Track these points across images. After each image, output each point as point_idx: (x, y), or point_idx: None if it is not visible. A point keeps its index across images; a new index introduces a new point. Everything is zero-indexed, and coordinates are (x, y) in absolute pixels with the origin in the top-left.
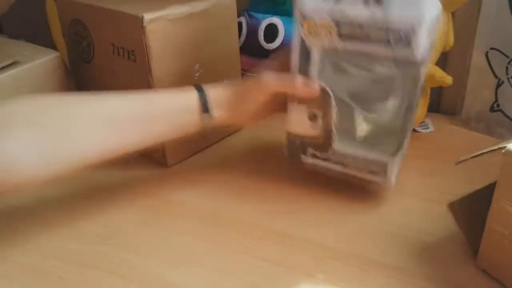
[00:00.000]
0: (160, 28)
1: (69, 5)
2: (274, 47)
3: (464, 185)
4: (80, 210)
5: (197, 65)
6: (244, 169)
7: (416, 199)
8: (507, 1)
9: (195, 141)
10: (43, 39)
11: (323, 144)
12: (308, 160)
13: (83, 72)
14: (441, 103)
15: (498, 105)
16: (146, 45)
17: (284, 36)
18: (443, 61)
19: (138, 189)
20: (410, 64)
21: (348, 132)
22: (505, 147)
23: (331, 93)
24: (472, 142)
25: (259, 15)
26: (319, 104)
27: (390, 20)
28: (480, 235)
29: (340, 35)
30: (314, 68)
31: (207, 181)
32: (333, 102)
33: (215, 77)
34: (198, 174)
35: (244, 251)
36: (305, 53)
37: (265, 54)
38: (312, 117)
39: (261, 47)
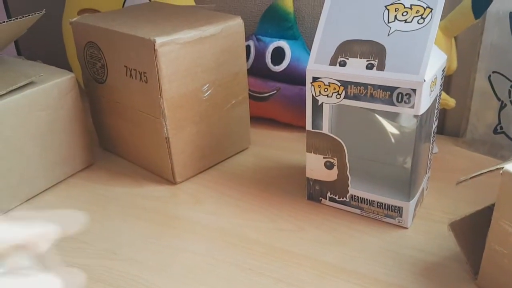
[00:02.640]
0: (171, 51)
1: (84, 29)
2: (281, 69)
3: (467, 205)
4: (91, 222)
5: (206, 85)
6: (251, 187)
7: (420, 219)
8: (508, 25)
9: (203, 159)
10: (59, 61)
11: (341, 189)
12: (327, 203)
13: (96, 92)
14: (445, 125)
15: (501, 127)
16: (157, 67)
17: (290, 59)
18: (446, 84)
19: (146, 205)
20: (412, 119)
21: (364, 178)
22: (503, 167)
23: (344, 144)
24: (476, 164)
25: (266, 39)
26: (335, 153)
27: (392, 83)
28: (481, 254)
29: (347, 94)
30: (326, 122)
31: (214, 198)
32: (346, 152)
33: (224, 97)
34: (206, 191)
35: (249, 268)
36: (317, 109)
37: (272, 76)
38: (329, 165)
39: (268, 69)
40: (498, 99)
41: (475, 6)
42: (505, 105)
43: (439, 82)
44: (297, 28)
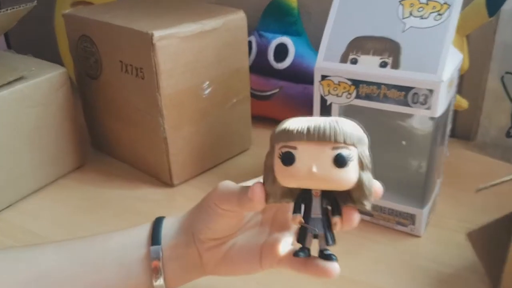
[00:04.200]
0: (170, 45)
1: (77, 21)
2: (284, 67)
3: (482, 213)
4: (82, 227)
5: (207, 82)
6: None
7: (433, 227)
8: None
9: (202, 160)
10: (50, 55)
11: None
12: None
13: (89, 88)
14: (456, 128)
15: None
16: (155, 62)
17: (294, 56)
18: (458, 85)
19: (141, 209)
20: (428, 121)
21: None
22: None
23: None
24: (489, 169)
25: (269, 35)
26: None
27: (407, 82)
28: (500, 265)
29: (358, 94)
30: None
31: None
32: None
33: (225, 95)
34: (202, 193)
35: (252, 278)
36: (325, 110)
37: (274, 73)
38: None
39: (270, 66)
40: (511, 100)
41: (489, 3)
42: None
43: (455, 82)
44: (301, 24)
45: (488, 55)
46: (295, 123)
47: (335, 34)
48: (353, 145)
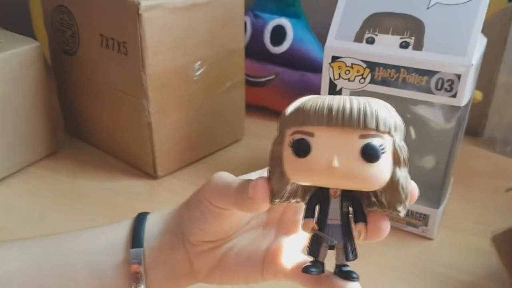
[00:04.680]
0: (158, 17)
1: None
2: (281, 51)
3: (497, 215)
4: (54, 222)
5: (198, 63)
6: None
7: (445, 229)
8: None
9: (190, 150)
10: (23, 28)
11: None
12: None
13: (65, 66)
14: None
15: None
16: (140, 36)
17: (292, 40)
18: None
19: (120, 202)
20: (451, 112)
21: None
22: None
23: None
24: (499, 166)
25: (265, 15)
26: None
27: (431, 65)
28: None
29: (373, 79)
30: None
31: None
32: None
33: (218, 78)
34: (191, 188)
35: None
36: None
37: (270, 58)
38: None
39: (266, 50)
40: None
41: None
42: None
43: (478, 69)
44: (299, 5)
45: (501, 46)
46: (313, 102)
47: (349, 9)
48: (388, 133)
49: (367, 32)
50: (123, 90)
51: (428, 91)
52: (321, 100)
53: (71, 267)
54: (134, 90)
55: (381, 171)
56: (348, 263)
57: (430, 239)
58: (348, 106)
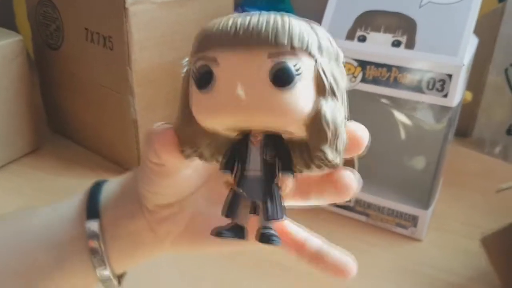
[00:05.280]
0: (145, 12)
1: None
2: None
3: (485, 216)
4: None
5: (186, 59)
6: None
7: (434, 230)
8: None
9: None
10: (5, 21)
11: None
12: (326, 207)
13: (48, 60)
14: None
15: None
16: (127, 30)
17: None
18: None
19: None
20: (442, 112)
21: (374, 179)
22: None
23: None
24: (488, 168)
25: (254, 11)
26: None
27: (423, 65)
28: None
29: (364, 77)
30: None
31: None
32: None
33: None
34: None
35: (235, 283)
36: None
37: None
38: None
39: None
40: None
41: None
42: None
43: (469, 69)
44: (289, 2)
45: (490, 47)
46: (220, 21)
47: (341, 6)
48: (307, 51)
49: (358, 30)
50: (108, 86)
51: (420, 90)
52: (231, 18)
53: (28, 245)
54: (120, 86)
55: (296, 99)
56: (270, 223)
57: (419, 240)
58: (255, 20)
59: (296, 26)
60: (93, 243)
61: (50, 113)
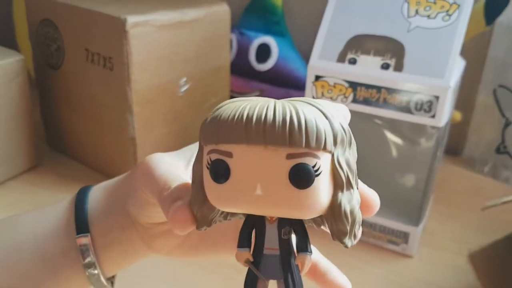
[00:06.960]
0: (145, 34)
1: (39, 3)
2: (266, 68)
3: (475, 233)
4: None
5: (184, 79)
6: None
7: (424, 247)
8: None
9: None
10: (5, 41)
11: None
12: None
13: (49, 80)
14: None
15: (505, 147)
16: (127, 52)
17: (277, 58)
18: None
19: None
20: (429, 131)
21: None
22: None
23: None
24: (477, 186)
25: (251, 33)
26: None
27: (411, 87)
28: None
29: (355, 98)
30: None
31: None
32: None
33: (203, 94)
34: None
35: None
36: None
37: (255, 75)
38: None
39: (251, 67)
40: (503, 115)
41: (487, 12)
42: (510, 122)
43: (457, 91)
44: (284, 23)
45: (479, 68)
46: (231, 110)
47: (332, 30)
48: (324, 149)
49: (349, 53)
50: (108, 105)
51: (408, 111)
52: (241, 107)
53: (18, 255)
54: (119, 105)
55: (315, 197)
56: None
57: (409, 256)
58: (270, 116)
59: (311, 123)
60: (86, 258)
61: (50, 131)
